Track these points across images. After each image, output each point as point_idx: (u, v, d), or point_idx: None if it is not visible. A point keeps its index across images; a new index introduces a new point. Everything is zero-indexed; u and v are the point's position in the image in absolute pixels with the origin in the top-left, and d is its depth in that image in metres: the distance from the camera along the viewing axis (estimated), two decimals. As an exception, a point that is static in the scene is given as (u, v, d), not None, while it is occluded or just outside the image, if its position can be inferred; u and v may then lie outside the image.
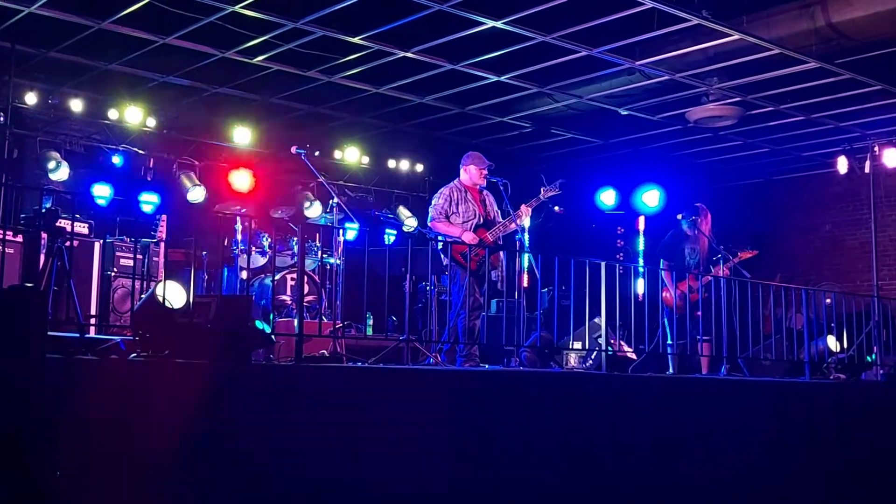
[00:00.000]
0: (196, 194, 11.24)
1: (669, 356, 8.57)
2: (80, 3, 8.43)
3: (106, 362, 4.93)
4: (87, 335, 5.50)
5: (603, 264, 7.32)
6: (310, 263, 9.69)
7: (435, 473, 5.65)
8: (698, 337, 8.53)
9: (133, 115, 10.70)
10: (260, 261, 9.89)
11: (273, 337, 6.53)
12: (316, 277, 9.65)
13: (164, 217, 9.69)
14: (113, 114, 10.73)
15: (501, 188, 7.79)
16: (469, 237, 7.59)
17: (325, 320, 8.63)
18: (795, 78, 9.92)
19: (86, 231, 9.05)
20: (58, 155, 10.39)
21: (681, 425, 7.03)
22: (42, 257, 6.81)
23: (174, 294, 6.08)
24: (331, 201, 8.69)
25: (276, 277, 9.55)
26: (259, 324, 6.42)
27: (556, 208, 8.31)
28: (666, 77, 9.95)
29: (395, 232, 11.41)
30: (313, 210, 12.04)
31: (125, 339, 5.46)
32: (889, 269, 12.92)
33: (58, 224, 6.50)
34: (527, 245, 8.21)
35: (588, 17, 8.52)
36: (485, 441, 5.95)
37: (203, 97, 10.98)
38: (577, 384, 6.90)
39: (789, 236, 13.90)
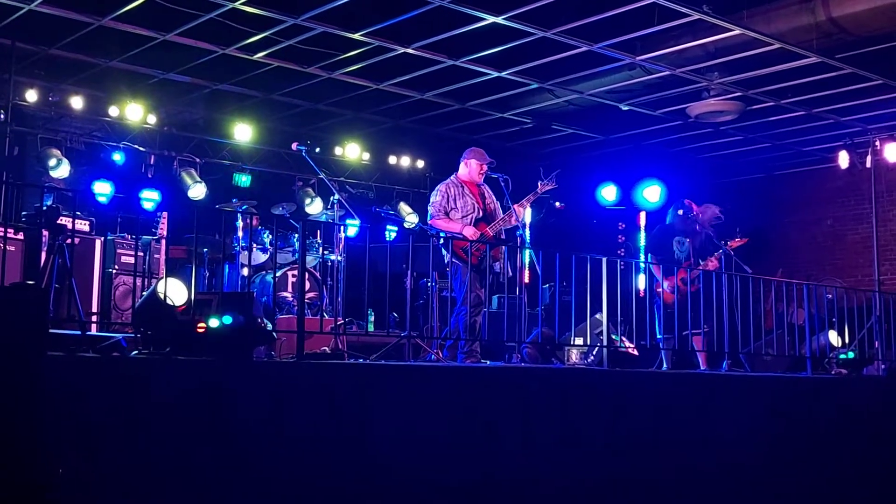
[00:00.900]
0: (197, 191, 11.24)
1: (663, 351, 8.56)
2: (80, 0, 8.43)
3: (107, 360, 4.93)
4: (88, 333, 5.50)
5: (604, 260, 7.31)
6: (311, 260, 9.69)
7: (437, 469, 5.66)
8: (685, 332, 8.51)
9: (134, 112, 10.70)
10: (261, 257, 9.88)
11: (274, 334, 6.53)
12: (317, 274, 9.64)
13: (165, 214, 9.68)
14: (114, 111, 10.74)
15: (502, 184, 7.78)
16: (470, 232, 7.59)
17: (327, 317, 8.63)
18: (796, 73, 9.91)
19: (87, 228, 9.05)
20: (58, 152, 10.39)
21: (682, 421, 7.03)
22: (43, 255, 6.82)
23: (175, 291, 6.07)
24: (332, 198, 8.67)
25: (278, 274, 9.55)
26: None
27: (557, 204, 8.33)
28: (666, 72, 9.95)
29: (396, 228, 11.42)
30: (314, 207, 12.05)
31: (126, 336, 5.46)
32: (890, 263, 12.92)
33: (59, 221, 6.51)
34: (528, 241, 8.20)
35: (588, 13, 8.51)
36: (487, 437, 5.95)
37: (204, 94, 10.98)
38: (579, 380, 6.90)
39: (790, 231, 13.90)
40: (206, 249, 9.46)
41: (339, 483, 5.26)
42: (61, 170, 10.30)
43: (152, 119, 11.05)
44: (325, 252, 9.58)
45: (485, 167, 7.88)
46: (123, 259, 9.13)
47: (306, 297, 8.79)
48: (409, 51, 9.37)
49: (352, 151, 12.44)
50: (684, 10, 8.24)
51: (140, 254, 8.79)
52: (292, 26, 8.76)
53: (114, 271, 9.01)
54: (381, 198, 12.83)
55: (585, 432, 6.45)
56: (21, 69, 9.88)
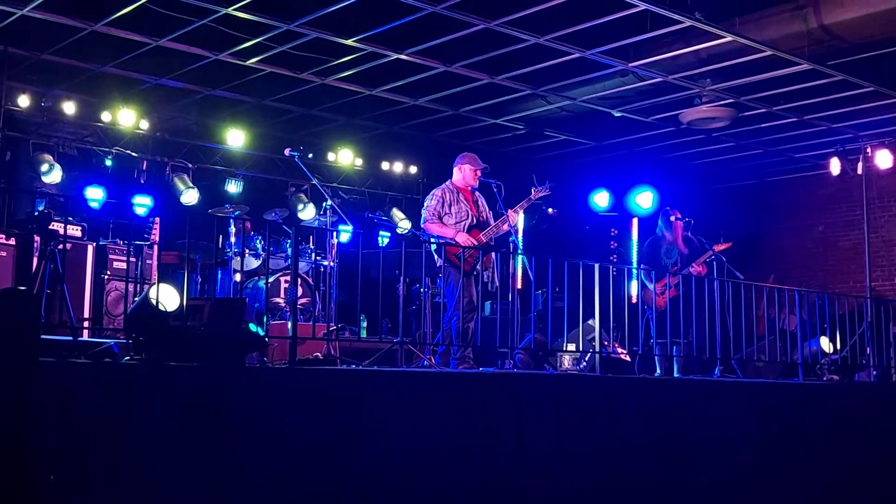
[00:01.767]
0: (189, 197, 11.22)
1: (657, 357, 8.58)
2: (73, 5, 8.41)
3: (99, 366, 4.92)
4: (80, 338, 5.48)
5: (596, 266, 7.32)
6: (303, 266, 9.69)
7: (429, 475, 5.65)
8: (655, 340, 8.53)
9: (126, 118, 10.68)
10: (253, 263, 9.88)
11: (267, 340, 6.52)
12: (310, 280, 9.64)
13: (157, 219, 9.67)
14: (106, 116, 10.71)
15: (495, 190, 7.79)
16: (463, 238, 7.59)
17: (319, 323, 8.62)
18: (788, 79, 9.94)
19: (79, 234, 9.04)
20: (51, 157, 10.38)
21: (674, 427, 7.04)
22: (35, 260, 6.80)
23: (167, 297, 6.05)
24: (324, 203, 8.69)
25: (270, 280, 9.55)
26: (253, 326, 6.41)
27: (550, 210, 8.32)
28: (659, 79, 9.97)
29: (388, 234, 11.42)
30: (307, 212, 12.04)
31: (118, 342, 5.45)
32: (881, 269, 12.95)
33: (51, 227, 6.50)
34: (520, 247, 8.20)
35: (581, 19, 8.52)
36: (479, 442, 5.95)
37: (196, 99, 10.97)
38: (571, 386, 6.91)
39: (782, 237, 13.92)
40: (198, 255, 9.45)
41: (331, 489, 5.25)
42: (53, 175, 10.28)
43: (145, 124, 11.03)
44: (318, 258, 9.59)
45: (479, 172, 7.88)
46: (115, 264, 9.12)
47: (299, 302, 8.79)
48: (402, 56, 9.38)
49: (344, 157, 12.44)
50: (677, 17, 8.25)
51: (132, 259, 8.78)
52: (285, 32, 8.76)
53: (106, 277, 9.00)
54: (374, 203, 12.83)
55: (578, 438, 6.45)
56: (13, 74, 9.86)
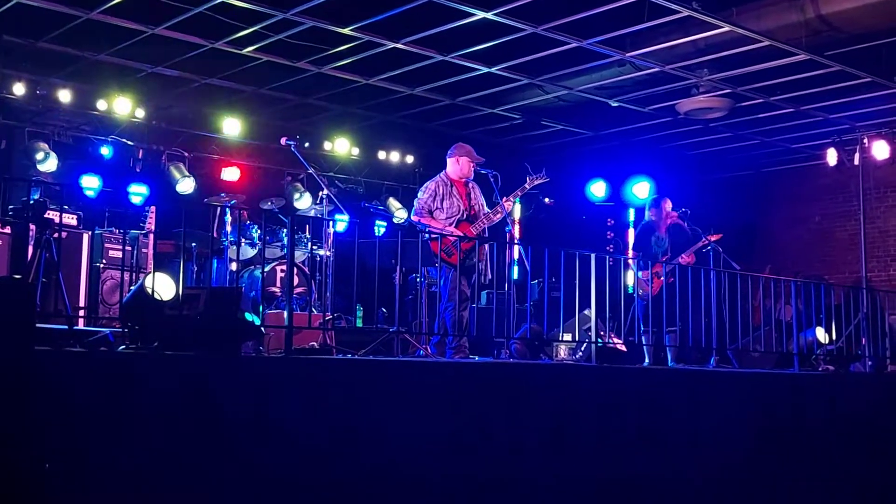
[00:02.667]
0: (185, 185, 11.20)
1: (645, 346, 8.58)
2: (68, -7, 8.40)
3: (94, 354, 4.92)
4: (75, 327, 5.48)
5: (593, 256, 7.32)
6: (300, 255, 9.67)
7: (425, 465, 5.66)
8: (644, 329, 8.55)
9: (122, 106, 10.64)
10: (249, 252, 9.86)
11: (263, 329, 6.52)
12: (306, 269, 9.63)
13: (153, 208, 9.65)
14: (102, 104, 10.67)
15: (491, 180, 7.77)
16: (452, 233, 7.56)
17: (315, 312, 8.62)
18: (785, 70, 9.93)
19: (74, 222, 9.02)
20: (46, 146, 10.35)
21: (670, 417, 7.05)
22: (30, 249, 6.78)
23: (163, 286, 6.05)
24: (320, 193, 8.66)
25: (266, 269, 9.53)
26: (248, 315, 6.41)
27: (547, 200, 8.32)
28: (656, 69, 9.96)
29: (385, 224, 11.41)
30: (303, 201, 12.02)
31: (114, 331, 5.45)
32: (877, 260, 12.98)
33: (46, 215, 6.48)
34: (516, 236, 8.20)
35: (578, 9, 8.51)
36: (474, 432, 5.95)
37: (192, 88, 10.94)
38: (567, 376, 6.92)
39: (778, 228, 13.94)
40: (194, 244, 9.44)
41: (326, 478, 5.25)
42: (49, 163, 10.25)
43: (140, 113, 10.99)
44: (314, 247, 9.57)
45: (474, 165, 7.86)
46: (111, 253, 9.11)
47: (295, 292, 8.78)
48: (399, 46, 9.36)
49: (341, 146, 12.41)
50: (674, 6, 8.24)
51: (128, 248, 8.77)
52: (282, 20, 8.74)
53: (101, 266, 8.99)
54: (371, 193, 12.80)
55: (574, 428, 6.46)
56: (8, 62, 9.83)
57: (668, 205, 9.43)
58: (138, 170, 11.17)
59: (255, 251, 9.84)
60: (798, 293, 8.86)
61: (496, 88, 10.91)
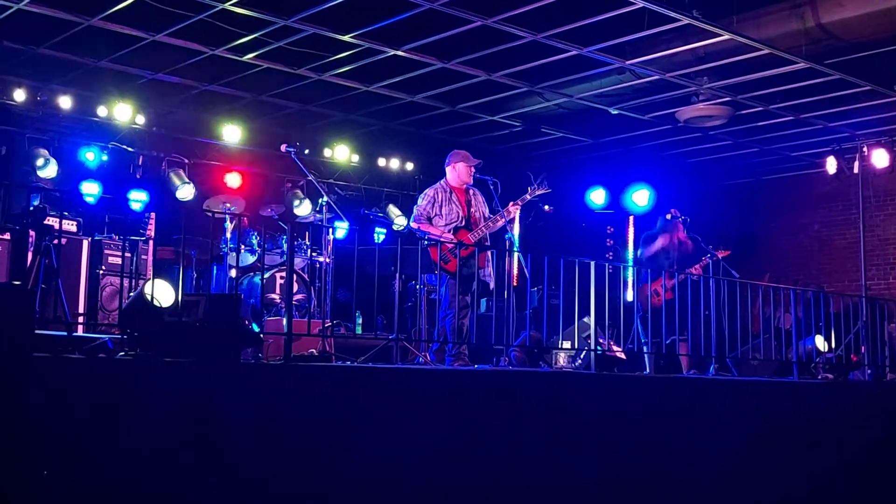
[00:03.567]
0: (185, 192, 11.20)
1: (646, 355, 8.59)
2: (69, -1, 8.41)
3: (93, 361, 4.91)
4: (74, 334, 5.48)
5: (592, 264, 7.32)
6: (299, 262, 9.67)
7: (424, 472, 5.65)
8: (672, 338, 8.57)
9: (122, 113, 10.65)
10: (249, 259, 9.86)
11: (262, 336, 6.51)
12: (305, 276, 9.63)
13: (152, 215, 9.65)
14: (102, 111, 10.68)
15: (491, 187, 7.78)
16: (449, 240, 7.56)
17: (315, 319, 8.61)
18: (785, 78, 9.94)
19: (74, 229, 9.01)
20: (46, 152, 10.34)
21: (669, 425, 7.04)
22: (30, 255, 6.77)
23: (162, 292, 6.04)
24: (320, 199, 8.67)
25: (266, 276, 9.53)
26: (256, 327, 6.41)
27: (546, 207, 8.31)
28: (656, 76, 9.97)
29: (384, 231, 11.41)
30: (303, 208, 12.02)
31: (113, 337, 5.43)
32: (877, 268, 12.97)
33: (46, 222, 6.48)
34: (516, 244, 8.19)
35: (578, 17, 8.52)
36: (474, 440, 5.95)
37: (193, 94, 10.95)
38: (566, 384, 6.91)
39: (778, 236, 13.94)
40: (193, 251, 9.43)
41: (325, 485, 5.24)
42: (49, 170, 10.25)
43: (141, 119, 10.99)
44: (314, 254, 9.57)
45: (473, 168, 7.87)
46: (110, 260, 9.09)
47: (294, 299, 8.78)
48: (399, 53, 9.37)
49: (341, 153, 12.42)
50: (674, 14, 8.25)
51: (127, 254, 8.76)
52: (282, 27, 8.75)
53: (101, 272, 8.97)
54: (370, 200, 12.80)
55: (573, 436, 6.45)
56: (9, 68, 9.84)
57: (682, 231, 9.43)
58: (138, 176, 11.18)
59: (255, 258, 9.84)
60: (797, 301, 8.85)
61: (496, 96, 10.92)
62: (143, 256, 9.22)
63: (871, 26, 8.48)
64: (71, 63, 9.90)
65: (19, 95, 10.15)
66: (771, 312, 8.96)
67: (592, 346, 7.76)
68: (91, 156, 10.75)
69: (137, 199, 10.67)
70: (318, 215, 9.47)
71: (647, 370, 8.43)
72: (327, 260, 8.85)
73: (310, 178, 8.58)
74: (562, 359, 8.32)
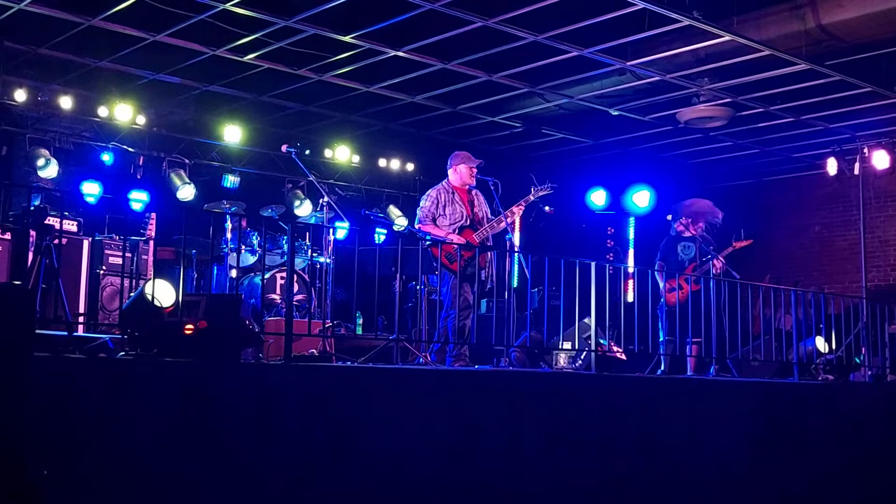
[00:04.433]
0: (186, 192, 11.21)
1: (662, 356, 8.60)
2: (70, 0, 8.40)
3: (94, 361, 4.91)
4: (75, 333, 5.47)
5: (592, 265, 7.32)
6: (299, 262, 9.67)
7: (424, 472, 5.65)
8: (687, 339, 8.58)
9: (123, 113, 10.66)
10: (249, 259, 9.86)
11: (262, 336, 6.51)
12: (305, 276, 9.62)
13: (153, 215, 9.65)
14: (103, 111, 10.69)
15: (492, 188, 7.78)
16: (454, 240, 7.57)
17: (315, 319, 8.60)
18: (785, 79, 9.94)
19: (74, 229, 9.01)
20: (47, 152, 10.35)
21: (669, 426, 7.04)
22: (30, 255, 6.77)
23: (163, 292, 6.04)
24: (321, 200, 8.66)
25: (266, 276, 9.53)
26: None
27: (547, 208, 8.30)
28: (657, 78, 9.97)
29: (385, 231, 11.41)
30: (303, 209, 12.02)
31: (113, 337, 5.43)
32: (877, 269, 12.97)
33: (46, 222, 6.47)
34: (516, 245, 8.19)
35: (579, 18, 8.52)
36: (474, 441, 5.95)
37: (193, 95, 10.96)
38: (567, 384, 6.91)
39: (778, 237, 13.93)
40: (194, 251, 9.43)
41: (326, 485, 5.25)
42: (50, 170, 10.26)
43: (141, 120, 11.00)
44: (314, 254, 9.57)
45: (475, 168, 7.87)
46: (111, 260, 9.08)
47: (294, 299, 8.77)
48: (400, 54, 9.37)
49: (342, 154, 12.42)
50: (675, 16, 8.25)
51: (128, 255, 8.76)
52: (283, 28, 8.76)
53: (101, 272, 8.97)
54: (371, 200, 12.81)
55: (573, 436, 6.45)
56: (10, 68, 9.85)
57: (701, 223, 9.38)
58: (139, 176, 11.18)
59: (255, 258, 9.84)
60: (798, 302, 8.85)
61: (497, 96, 10.92)
62: (144, 256, 9.21)
63: (871, 27, 8.49)
64: (72, 63, 9.91)
65: (20, 95, 10.15)
66: (771, 314, 8.96)
67: (593, 347, 7.76)
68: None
69: (138, 199, 10.67)
70: (318, 215, 9.46)
71: (663, 368, 8.46)
72: (328, 260, 8.85)
73: (310, 178, 8.58)
74: (562, 359, 8.32)
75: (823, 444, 8.04)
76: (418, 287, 7.92)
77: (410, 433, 5.64)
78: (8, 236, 8.01)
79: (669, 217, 9.40)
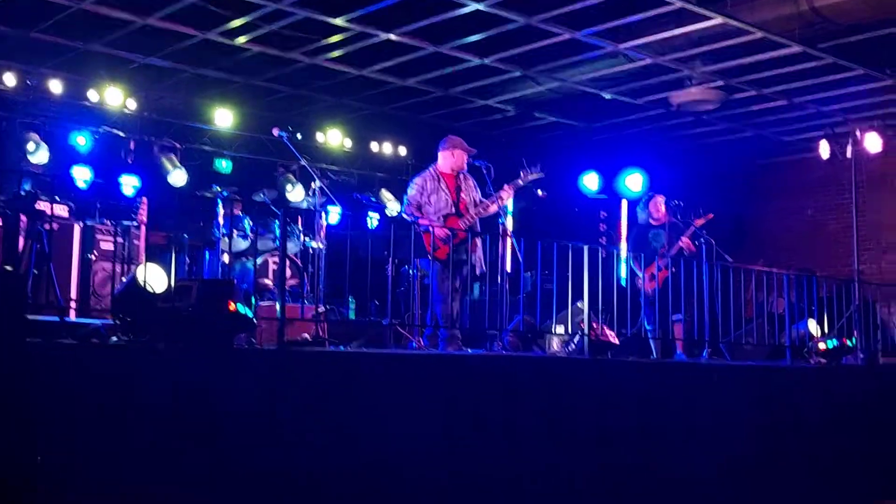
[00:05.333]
0: (177, 177, 11.16)
1: (651, 341, 8.61)
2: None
3: (86, 346, 4.90)
4: (66, 319, 5.46)
5: (585, 248, 7.32)
6: (292, 247, 9.65)
7: (418, 456, 5.65)
8: (671, 317, 8.57)
9: (113, 97, 10.60)
10: (242, 244, 9.83)
11: (255, 321, 6.49)
12: (298, 261, 9.61)
13: (144, 200, 9.61)
14: (93, 95, 10.62)
15: (484, 172, 7.75)
16: (436, 232, 7.52)
17: (308, 304, 8.59)
18: (778, 62, 9.93)
19: (65, 214, 8.96)
20: (37, 136, 10.29)
21: (663, 410, 7.05)
22: (21, 240, 6.75)
23: (155, 277, 6.03)
24: (313, 184, 8.65)
25: (259, 261, 9.51)
26: (241, 307, 6.38)
27: (540, 192, 8.29)
28: (649, 60, 9.95)
29: (377, 215, 11.39)
30: (295, 193, 11.99)
31: (105, 322, 5.42)
32: (870, 253, 12.99)
33: (37, 206, 6.45)
34: (509, 228, 8.18)
35: (572, 0, 8.49)
36: (467, 425, 5.95)
37: (184, 79, 10.90)
38: (560, 368, 6.92)
39: (771, 220, 13.94)
40: (186, 236, 9.39)
41: (320, 471, 5.24)
42: (40, 154, 10.20)
43: (132, 104, 10.94)
44: (306, 239, 9.55)
45: (467, 156, 7.82)
46: (102, 245, 9.05)
47: (287, 284, 8.76)
48: (392, 37, 9.33)
49: (334, 138, 12.38)
50: (668, -2, 8.24)
51: (119, 240, 8.73)
52: (274, 11, 8.70)
53: (93, 257, 8.93)
54: (363, 184, 12.79)
55: (566, 420, 6.46)
56: (-1, 52, 9.79)
57: (661, 205, 9.40)
58: (130, 161, 11.13)
59: (248, 243, 9.81)
60: (790, 286, 8.86)
61: (489, 80, 10.89)
62: (135, 241, 9.18)
63: (863, 9, 8.48)
64: (61, 47, 9.84)
65: (9, 80, 10.08)
66: (764, 297, 8.97)
67: (586, 331, 7.76)
68: (82, 140, 10.70)
69: (129, 183, 10.63)
70: (310, 199, 9.44)
71: (654, 355, 8.47)
72: (320, 245, 8.83)
73: (303, 162, 8.56)
74: (555, 343, 8.33)
75: (816, 426, 8.07)
76: (411, 271, 7.91)
77: (404, 417, 5.64)
78: (-1, 221, 7.97)
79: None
